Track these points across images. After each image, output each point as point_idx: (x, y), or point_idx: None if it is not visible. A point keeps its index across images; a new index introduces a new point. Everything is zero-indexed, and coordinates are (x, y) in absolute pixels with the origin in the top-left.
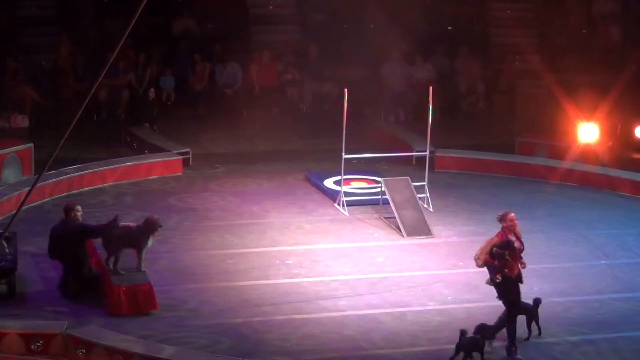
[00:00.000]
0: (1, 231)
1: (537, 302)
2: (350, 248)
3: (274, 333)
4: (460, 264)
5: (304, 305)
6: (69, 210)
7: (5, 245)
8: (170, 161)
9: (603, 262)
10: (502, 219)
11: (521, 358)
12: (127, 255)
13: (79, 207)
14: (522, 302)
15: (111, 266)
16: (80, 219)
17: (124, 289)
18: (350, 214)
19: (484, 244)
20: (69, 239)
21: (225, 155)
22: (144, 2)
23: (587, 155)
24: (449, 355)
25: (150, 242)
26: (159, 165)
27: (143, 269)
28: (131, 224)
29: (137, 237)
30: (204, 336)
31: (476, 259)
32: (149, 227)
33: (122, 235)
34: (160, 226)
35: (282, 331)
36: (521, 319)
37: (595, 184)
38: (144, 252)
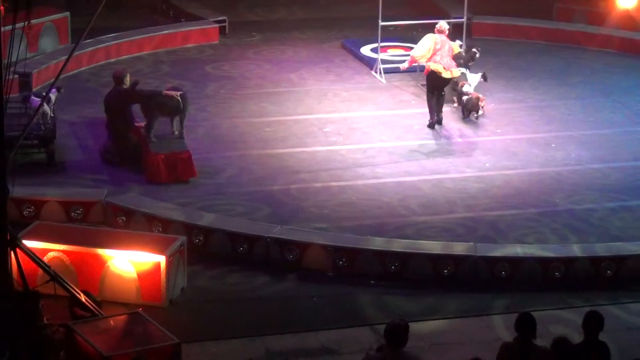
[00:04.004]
0: (45, 93)
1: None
2: (387, 115)
3: (311, 200)
4: (498, 130)
5: (342, 172)
6: (121, 77)
7: (50, 109)
8: (206, 29)
9: None
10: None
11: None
12: (164, 123)
13: (128, 75)
14: None
15: (150, 134)
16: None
17: (163, 156)
18: (387, 82)
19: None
20: (119, 104)
21: (261, 23)
22: None
23: (626, 21)
24: (486, 222)
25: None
26: (195, 34)
27: (183, 136)
28: (174, 92)
29: (177, 106)
30: (243, 203)
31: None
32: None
33: (163, 104)
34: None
35: (320, 198)
36: None
37: (634, 50)
38: (184, 120)
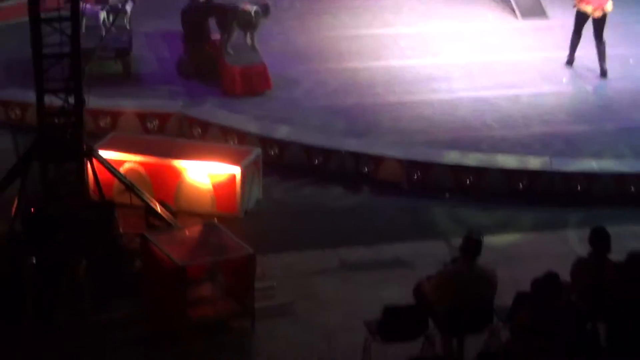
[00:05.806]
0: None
1: None
2: (464, 30)
3: (386, 114)
4: None
5: (417, 87)
6: None
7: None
8: None
9: None
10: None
11: None
12: (240, 37)
13: None
14: None
15: (227, 47)
16: None
17: (238, 69)
18: None
19: None
20: (195, 17)
21: None
22: None
23: None
24: (562, 137)
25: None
26: None
27: (256, 46)
28: (249, 7)
29: (250, 20)
30: (318, 117)
31: None
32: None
33: (239, 17)
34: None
35: (395, 112)
36: None
37: None
38: (255, 34)
